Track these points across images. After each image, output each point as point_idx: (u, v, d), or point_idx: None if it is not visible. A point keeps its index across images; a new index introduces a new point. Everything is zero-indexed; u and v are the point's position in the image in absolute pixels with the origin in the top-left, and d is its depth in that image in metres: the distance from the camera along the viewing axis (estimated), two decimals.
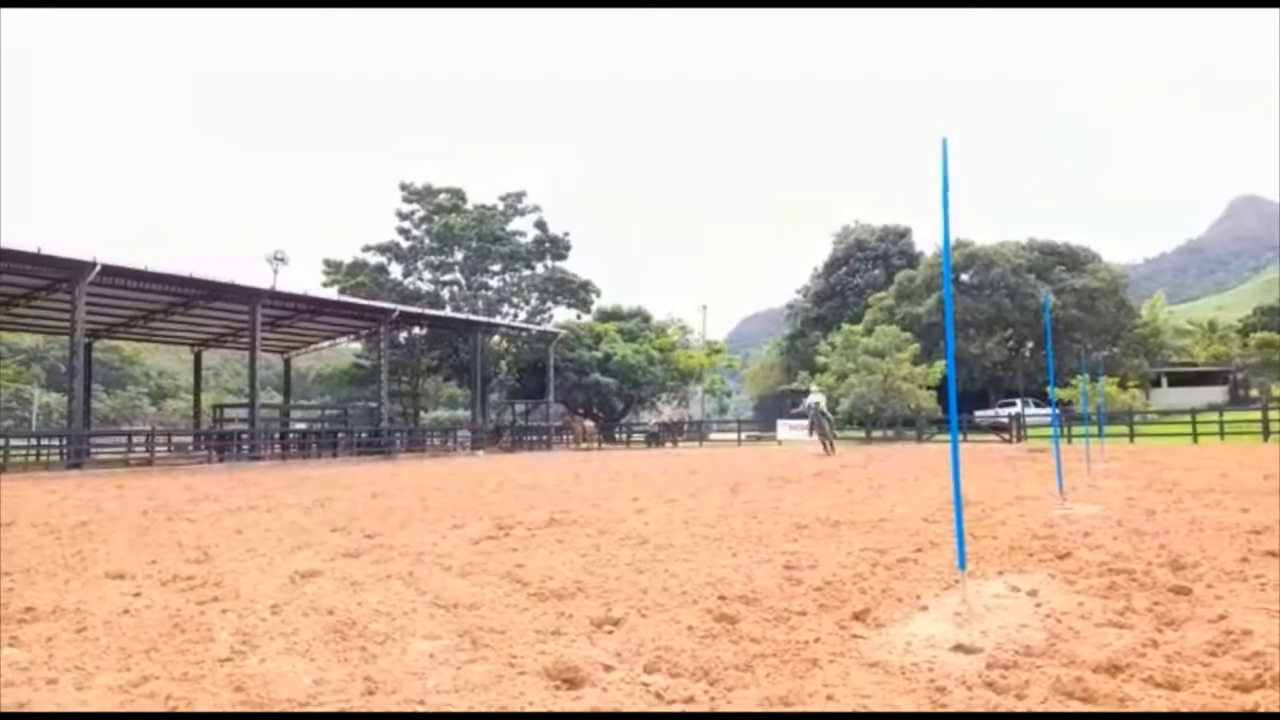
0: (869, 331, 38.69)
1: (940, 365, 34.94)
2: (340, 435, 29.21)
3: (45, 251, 20.60)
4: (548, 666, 2.80)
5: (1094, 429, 16.76)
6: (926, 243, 55.63)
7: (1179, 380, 48.64)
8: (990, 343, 45.58)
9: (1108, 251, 75.35)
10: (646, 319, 50.83)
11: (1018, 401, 37.89)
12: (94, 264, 21.21)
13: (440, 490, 11.73)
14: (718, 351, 54.40)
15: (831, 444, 21.77)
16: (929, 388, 34.64)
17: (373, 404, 34.36)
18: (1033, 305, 43.50)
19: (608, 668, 2.83)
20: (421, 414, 48.14)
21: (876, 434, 33.29)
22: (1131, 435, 25.65)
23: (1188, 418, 26.46)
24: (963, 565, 3.77)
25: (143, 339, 38.32)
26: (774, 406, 52.70)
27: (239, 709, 2.50)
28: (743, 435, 37.72)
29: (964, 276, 46.81)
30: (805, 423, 28.63)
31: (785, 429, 35.30)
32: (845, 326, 39.71)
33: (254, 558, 5.55)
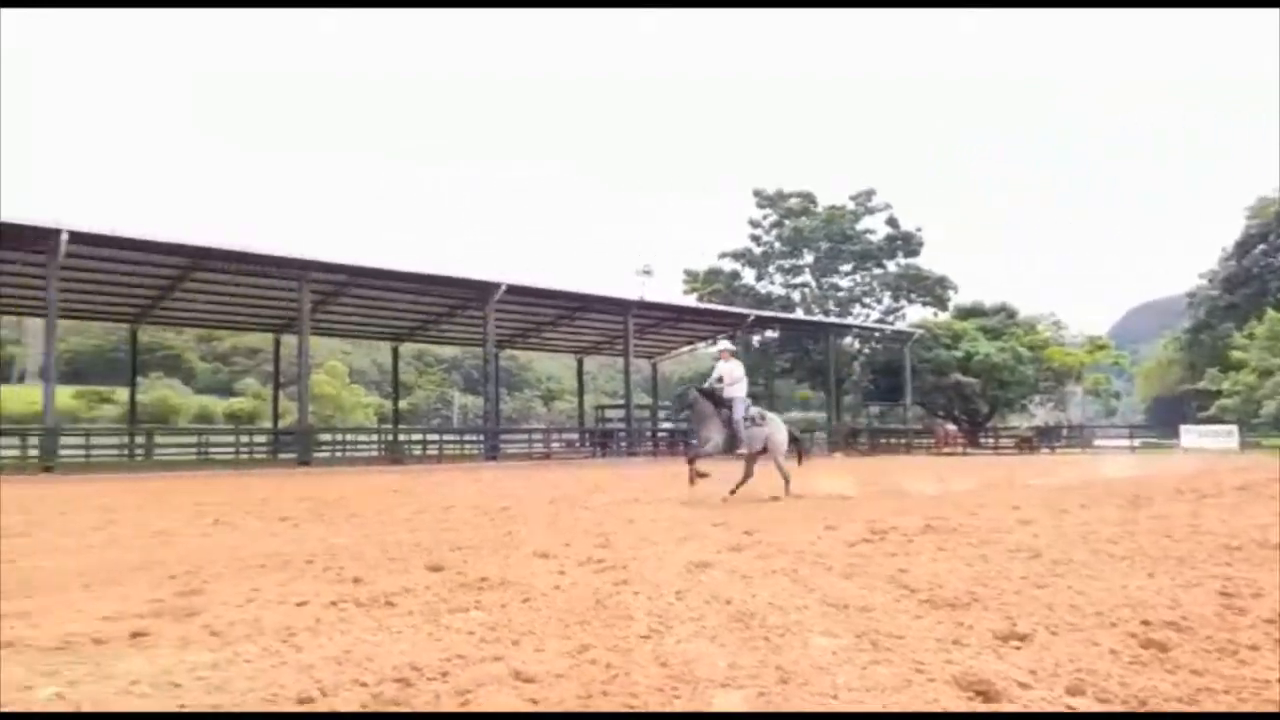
0: None
1: None
2: None
3: (464, 276, 24.35)
4: (956, 676, 2.74)
5: None
6: None
7: None
8: None
9: None
10: (1012, 314, 47.01)
11: None
12: (499, 285, 24.59)
13: (806, 490, 11.87)
14: (1101, 348, 48.64)
15: (782, 468, 11.18)
16: None
17: None
18: None
19: (1023, 685, 2.70)
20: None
21: None
22: None
23: None
24: None
25: (535, 348, 43.62)
26: (1173, 409, 45.86)
27: (665, 682, 2.77)
28: (1136, 441, 33.34)
29: None
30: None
31: (1192, 435, 30.53)
32: (1271, 313, 33.41)
33: (648, 546, 6.07)
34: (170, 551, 6.19)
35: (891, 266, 48.37)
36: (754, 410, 11.26)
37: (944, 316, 47.03)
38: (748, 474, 11.04)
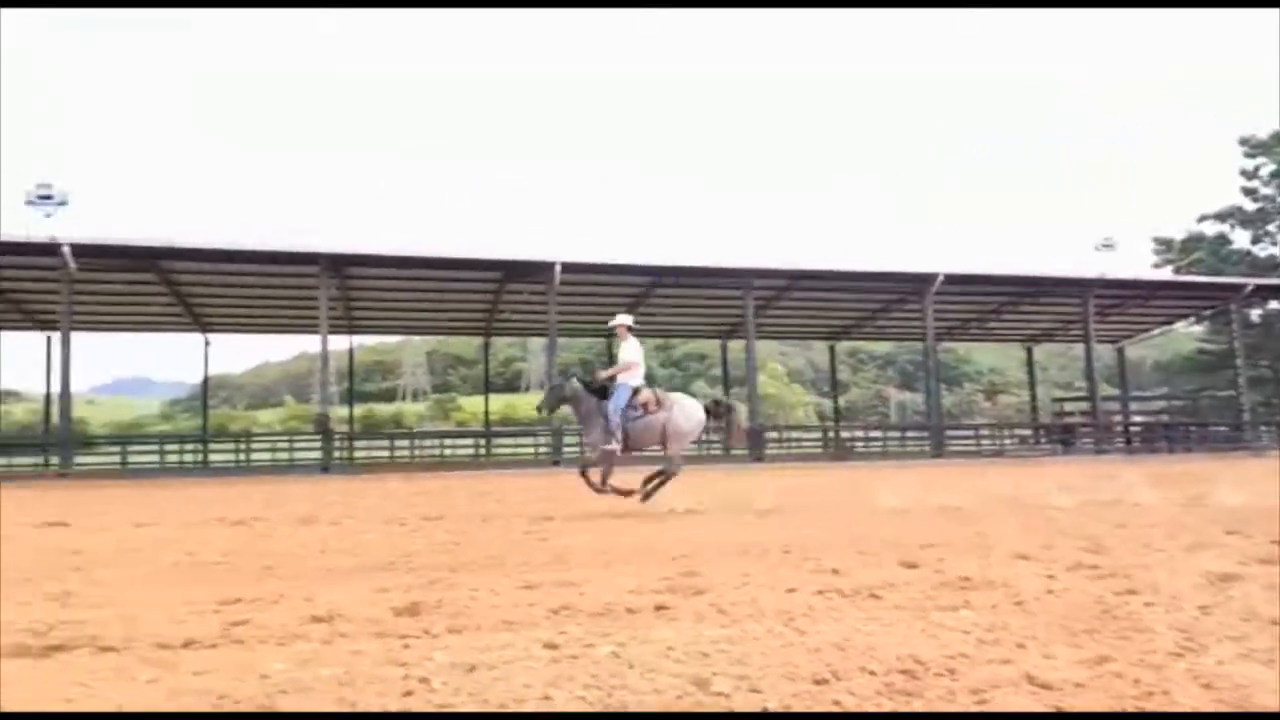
0: None
1: None
2: (1191, 428, 26.49)
3: (900, 270, 23.93)
4: None
5: None
6: None
7: None
8: None
9: None
10: None
11: None
12: (937, 275, 23.69)
13: None
14: None
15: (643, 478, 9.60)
16: None
17: (1225, 393, 30.27)
18: None
19: None
20: None
21: None
22: None
23: None
24: None
25: (976, 339, 41.14)
26: None
27: (1214, 705, 2.46)
28: None
29: None
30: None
31: None
32: None
33: (1150, 553, 5.40)
34: (664, 537, 7.00)
35: None
36: (647, 393, 9.30)
37: None
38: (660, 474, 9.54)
